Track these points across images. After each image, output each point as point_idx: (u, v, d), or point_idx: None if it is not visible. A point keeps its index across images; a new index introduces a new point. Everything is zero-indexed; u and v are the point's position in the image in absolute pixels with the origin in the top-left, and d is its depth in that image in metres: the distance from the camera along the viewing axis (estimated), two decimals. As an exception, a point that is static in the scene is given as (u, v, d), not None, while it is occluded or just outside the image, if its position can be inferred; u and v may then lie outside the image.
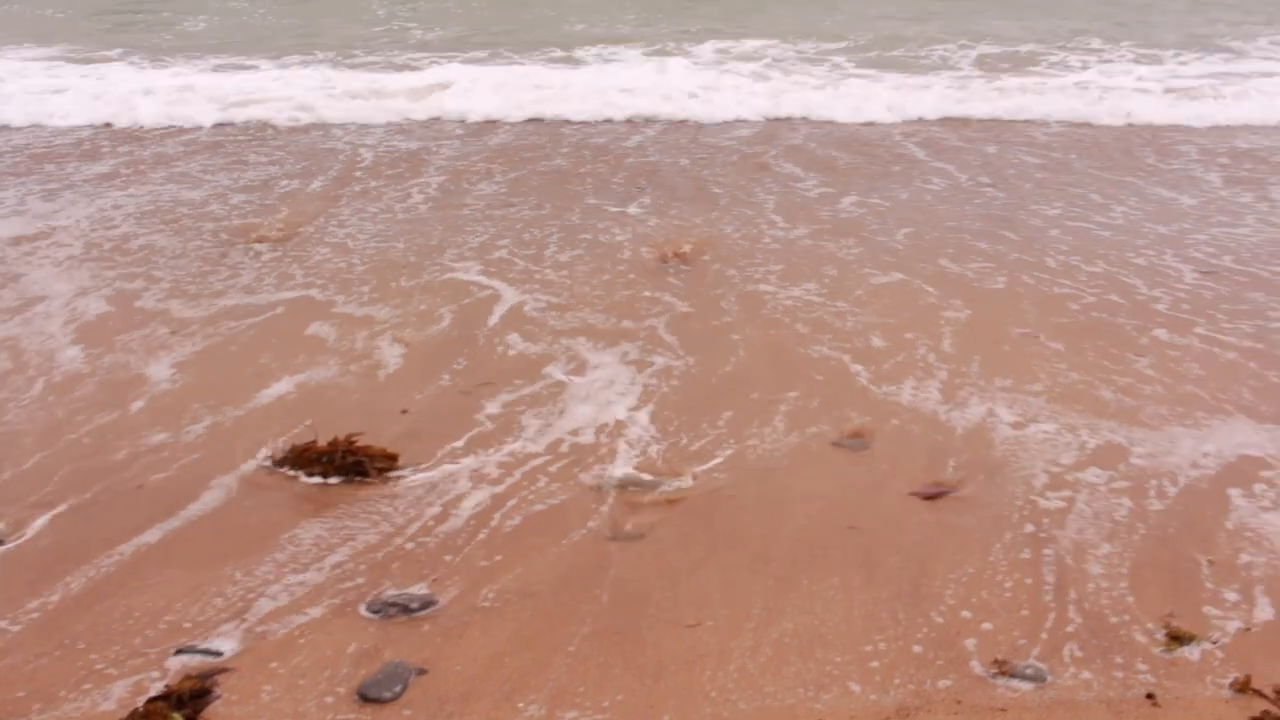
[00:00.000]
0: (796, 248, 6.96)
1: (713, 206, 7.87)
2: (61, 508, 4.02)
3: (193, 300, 6.02)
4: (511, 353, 5.33)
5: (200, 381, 5.03)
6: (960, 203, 8.07)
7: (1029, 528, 3.91)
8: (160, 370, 5.15)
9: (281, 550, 3.80)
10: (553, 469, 4.29)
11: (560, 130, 10.61)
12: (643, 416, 4.69)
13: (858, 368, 5.19)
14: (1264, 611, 3.51)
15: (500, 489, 4.16)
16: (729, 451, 4.43)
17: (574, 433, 4.55)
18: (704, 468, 4.31)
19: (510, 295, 6.08)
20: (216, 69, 12.90)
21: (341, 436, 4.25)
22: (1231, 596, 3.56)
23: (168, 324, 5.69)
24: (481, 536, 3.87)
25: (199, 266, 6.57)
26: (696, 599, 3.54)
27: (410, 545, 3.83)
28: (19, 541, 3.84)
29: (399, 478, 4.22)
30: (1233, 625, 3.45)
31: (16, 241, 7.03)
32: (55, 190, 8.29)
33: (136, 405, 4.80)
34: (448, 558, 3.75)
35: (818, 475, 4.27)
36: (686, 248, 6.88)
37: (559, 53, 13.83)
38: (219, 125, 10.67)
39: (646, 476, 4.23)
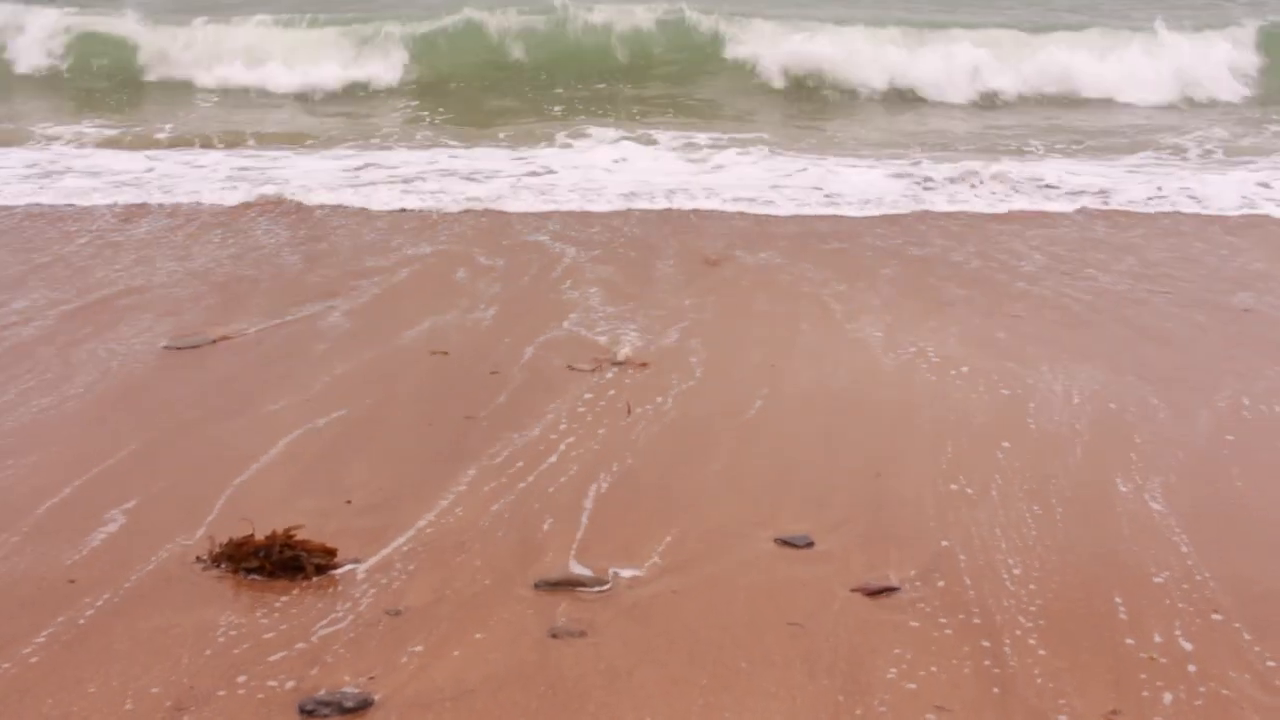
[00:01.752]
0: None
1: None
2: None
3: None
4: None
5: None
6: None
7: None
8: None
9: (212, 647, 3.70)
10: (494, 562, 4.25)
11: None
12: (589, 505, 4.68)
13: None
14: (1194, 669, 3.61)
15: (441, 581, 4.11)
16: (671, 546, 4.42)
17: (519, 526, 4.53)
18: (648, 562, 4.29)
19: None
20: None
21: (280, 530, 4.19)
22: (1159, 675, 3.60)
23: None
24: (420, 632, 3.81)
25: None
26: (637, 697, 3.50)
27: (346, 640, 3.76)
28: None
29: (337, 572, 4.16)
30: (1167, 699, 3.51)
31: None
32: None
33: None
34: (384, 654, 3.68)
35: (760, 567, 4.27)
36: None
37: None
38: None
39: (588, 573, 4.20)
